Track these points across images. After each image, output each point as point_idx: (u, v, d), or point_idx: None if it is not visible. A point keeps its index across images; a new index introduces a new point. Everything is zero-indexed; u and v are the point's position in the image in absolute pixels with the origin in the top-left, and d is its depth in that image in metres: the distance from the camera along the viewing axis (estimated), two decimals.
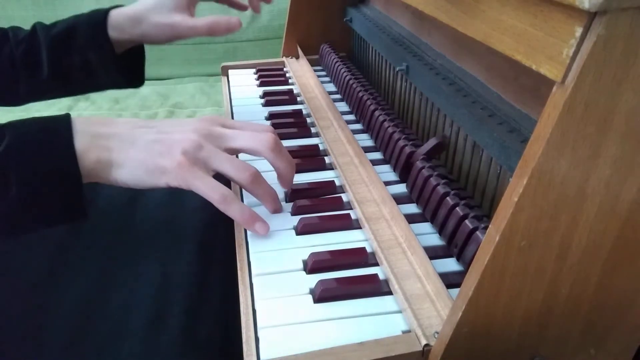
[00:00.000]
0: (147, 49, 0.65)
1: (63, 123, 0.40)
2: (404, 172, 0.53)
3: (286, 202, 0.50)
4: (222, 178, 0.43)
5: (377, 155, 0.59)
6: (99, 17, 0.59)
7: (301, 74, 0.81)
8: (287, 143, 0.60)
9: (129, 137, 0.42)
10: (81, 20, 0.60)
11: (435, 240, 0.45)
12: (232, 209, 0.42)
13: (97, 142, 0.40)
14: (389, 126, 0.57)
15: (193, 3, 0.62)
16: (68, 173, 0.39)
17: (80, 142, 0.40)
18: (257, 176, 0.44)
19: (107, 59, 0.60)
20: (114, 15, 0.59)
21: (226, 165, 0.43)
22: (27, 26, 0.62)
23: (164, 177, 0.41)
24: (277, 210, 0.48)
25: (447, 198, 0.44)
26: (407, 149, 0.52)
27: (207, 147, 0.43)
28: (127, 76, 0.63)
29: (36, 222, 0.41)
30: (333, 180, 0.53)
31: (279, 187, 0.50)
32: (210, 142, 0.43)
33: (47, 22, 0.62)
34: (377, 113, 0.61)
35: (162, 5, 0.59)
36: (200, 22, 0.59)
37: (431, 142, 0.50)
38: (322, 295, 0.38)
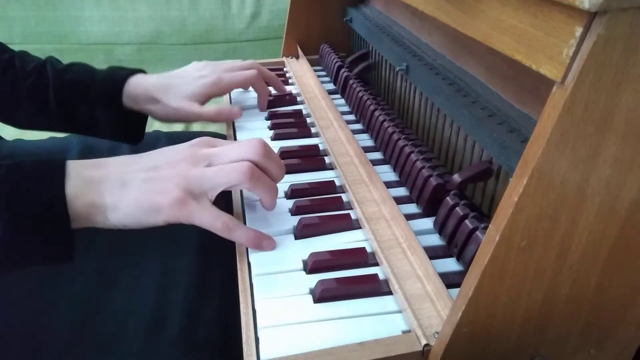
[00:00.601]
0: (148, 48, 0.66)
1: (57, 168, 0.40)
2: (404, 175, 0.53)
3: (286, 198, 0.50)
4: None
5: (377, 155, 0.59)
6: (117, 83, 0.61)
7: (301, 74, 0.81)
8: (287, 143, 0.60)
9: (120, 179, 0.41)
10: (98, 79, 0.62)
11: (435, 240, 0.45)
12: (236, 235, 0.42)
13: (89, 187, 0.40)
14: (389, 126, 0.57)
15: (207, 99, 0.65)
16: (56, 218, 0.38)
17: (72, 187, 0.39)
18: (253, 170, 0.42)
19: (115, 120, 0.62)
20: (131, 85, 0.61)
21: (219, 178, 0.42)
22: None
23: (161, 215, 0.40)
24: (273, 207, 0.47)
25: (447, 198, 0.44)
26: (407, 149, 0.52)
27: (195, 171, 0.41)
28: (128, 133, 0.65)
29: (19, 263, 0.40)
30: (333, 180, 0.53)
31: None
32: (197, 166, 0.42)
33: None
34: (377, 113, 0.61)
35: (178, 92, 0.62)
36: (206, 110, 0.63)
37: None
38: (322, 295, 0.38)
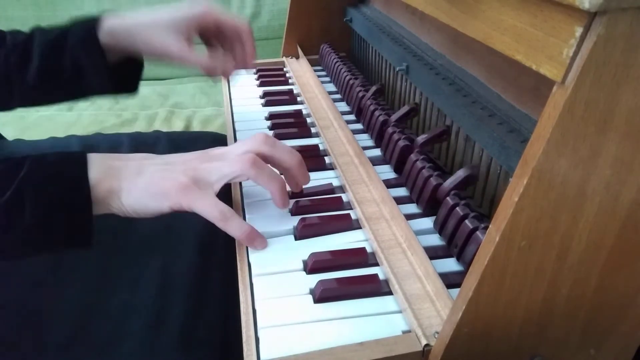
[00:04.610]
0: None
1: (80, 157, 0.43)
2: (400, 167, 0.53)
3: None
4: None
5: (377, 155, 0.59)
6: (92, 21, 0.58)
7: (301, 74, 0.81)
8: (287, 143, 0.60)
9: (137, 167, 0.44)
10: (74, 23, 0.59)
11: (435, 240, 0.45)
12: (231, 226, 0.43)
13: (109, 173, 0.43)
14: (389, 126, 0.57)
15: (192, 29, 0.59)
16: (79, 202, 0.41)
17: (95, 173, 0.42)
18: (255, 160, 0.44)
19: (98, 63, 0.58)
20: (108, 21, 0.58)
21: (224, 169, 0.44)
22: (27, 26, 0.61)
23: (167, 201, 0.43)
24: (285, 203, 0.46)
25: (447, 198, 0.44)
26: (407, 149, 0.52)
27: (204, 165, 0.45)
28: (118, 83, 0.61)
29: (42, 247, 0.42)
30: (333, 181, 0.53)
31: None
32: (207, 162, 0.45)
33: (47, 22, 0.62)
34: (377, 113, 0.61)
35: (157, 24, 0.57)
36: (199, 58, 0.58)
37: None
38: (322, 295, 0.38)
